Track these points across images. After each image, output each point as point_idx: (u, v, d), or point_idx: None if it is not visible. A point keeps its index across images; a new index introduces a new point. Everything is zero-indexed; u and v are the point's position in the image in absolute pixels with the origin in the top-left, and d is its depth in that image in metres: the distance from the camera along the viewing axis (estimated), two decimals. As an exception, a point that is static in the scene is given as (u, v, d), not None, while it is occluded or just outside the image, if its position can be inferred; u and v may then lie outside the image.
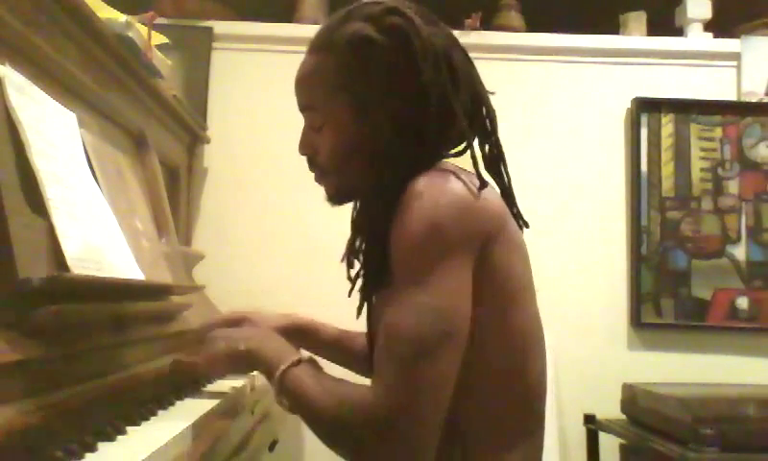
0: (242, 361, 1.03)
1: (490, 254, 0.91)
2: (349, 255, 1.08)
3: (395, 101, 0.95)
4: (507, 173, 1.04)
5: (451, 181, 0.91)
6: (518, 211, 1.03)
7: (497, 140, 1.03)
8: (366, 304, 1.05)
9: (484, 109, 1.01)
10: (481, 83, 1.03)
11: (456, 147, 1.04)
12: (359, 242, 1.07)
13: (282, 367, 0.93)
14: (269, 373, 0.95)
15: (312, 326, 1.30)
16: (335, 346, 1.29)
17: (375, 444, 0.84)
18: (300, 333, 1.28)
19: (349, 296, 1.09)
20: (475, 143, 1.01)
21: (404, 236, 0.89)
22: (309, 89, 1.02)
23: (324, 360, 1.30)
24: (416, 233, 0.87)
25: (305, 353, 0.99)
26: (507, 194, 1.03)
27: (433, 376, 0.84)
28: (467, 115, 0.98)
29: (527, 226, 1.03)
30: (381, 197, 0.95)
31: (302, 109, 1.04)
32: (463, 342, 0.87)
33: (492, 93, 1.04)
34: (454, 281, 0.87)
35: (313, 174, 1.06)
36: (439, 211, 0.88)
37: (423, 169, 0.93)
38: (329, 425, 0.89)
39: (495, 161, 1.03)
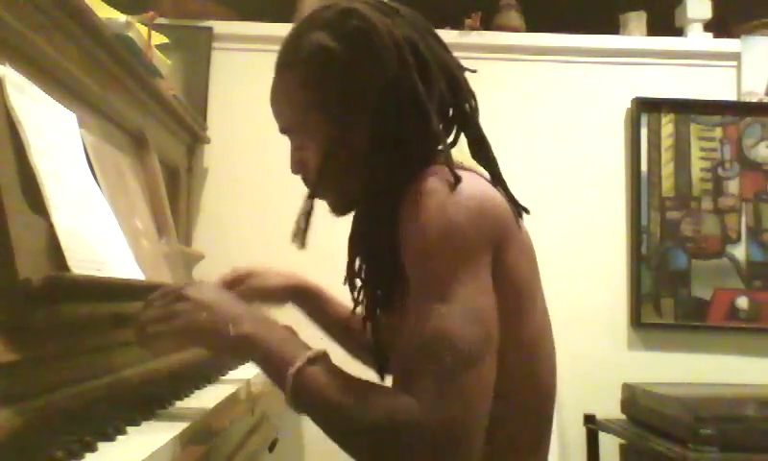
0: (229, 346, 0.88)
1: (502, 256, 0.87)
2: (351, 277, 1.03)
3: (369, 105, 0.91)
4: (493, 157, 0.98)
5: (459, 181, 0.87)
6: (513, 197, 0.97)
7: (477, 124, 0.97)
8: (370, 320, 1.02)
9: (463, 93, 0.97)
10: (457, 65, 0.98)
11: (447, 136, 0.98)
12: (359, 260, 1.02)
13: (298, 363, 0.81)
14: (274, 367, 0.84)
15: (320, 294, 1.23)
16: (341, 325, 1.22)
17: (428, 457, 0.77)
18: (306, 298, 1.23)
19: (353, 314, 1.07)
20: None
21: (425, 240, 0.84)
22: (283, 112, 1.00)
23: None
24: (437, 236, 0.83)
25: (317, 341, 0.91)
26: (498, 180, 0.97)
27: (482, 383, 0.80)
28: (445, 104, 0.95)
29: (527, 211, 0.98)
30: (377, 205, 0.92)
31: (282, 131, 1.02)
32: (497, 345, 0.83)
33: (474, 71, 1.00)
34: (481, 282, 0.83)
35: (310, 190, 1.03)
36: (455, 212, 0.84)
37: (416, 168, 0.90)
38: (364, 437, 0.80)
39: (480, 146, 0.97)
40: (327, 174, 0.97)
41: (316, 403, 0.82)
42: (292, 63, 0.97)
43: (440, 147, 0.93)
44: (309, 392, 0.81)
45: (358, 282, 1.03)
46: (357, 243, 1.01)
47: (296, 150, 1.01)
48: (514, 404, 0.91)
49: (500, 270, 0.87)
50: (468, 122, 0.97)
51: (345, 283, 1.04)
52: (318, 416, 0.83)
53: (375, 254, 0.96)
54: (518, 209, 0.96)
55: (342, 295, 1.12)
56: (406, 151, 0.92)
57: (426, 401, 0.77)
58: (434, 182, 0.86)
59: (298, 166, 1.02)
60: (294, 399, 0.82)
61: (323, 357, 0.84)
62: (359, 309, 1.06)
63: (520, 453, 0.94)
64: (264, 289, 1.20)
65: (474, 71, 1.00)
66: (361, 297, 1.04)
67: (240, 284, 1.19)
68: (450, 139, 0.98)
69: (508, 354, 0.88)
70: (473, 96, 0.98)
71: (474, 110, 0.98)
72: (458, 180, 0.86)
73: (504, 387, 0.87)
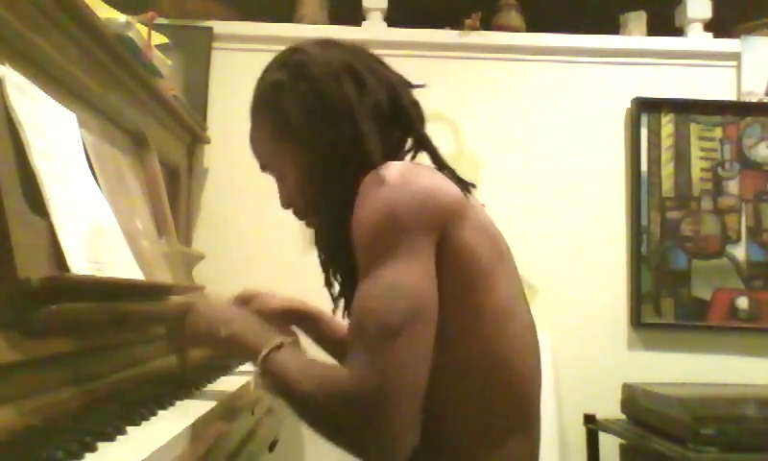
0: (221, 345, 1.07)
1: (451, 236, 0.93)
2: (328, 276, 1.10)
3: (321, 128, 1.01)
4: (434, 147, 1.06)
5: (402, 169, 0.95)
6: (460, 178, 1.02)
7: (419, 130, 1.06)
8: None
9: (404, 103, 1.05)
10: (401, 81, 1.07)
11: (396, 141, 1.07)
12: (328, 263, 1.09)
13: (264, 351, 0.94)
14: (250, 356, 0.98)
15: (318, 315, 1.32)
16: (334, 342, 1.30)
17: (354, 426, 0.85)
18: (305, 320, 1.31)
19: (334, 312, 1.13)
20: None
21: (362, 224, 0.92)
22: (258, 149, 1.11)
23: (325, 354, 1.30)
24: (373, 219, 0.90)
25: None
26: (440, 164, 1.04)
27: (403, 355, 0.85)
28: (384, 114, 1.02)
29: (474, 186, 1.02)
30: (339, 206, 0.99)
31: (262, 168, 1.12)
32: (432, 320, 0.89)
33: (422, 86, 1.08)
34: (416, 263, 0.89)
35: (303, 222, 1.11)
36: (394, 196, 0.91)
37: (366, 172, 0.96)
38: (310, 409, 0.90)
39: (420, 142, 1.06)
40: (305, 195, 1.06)
41: (278, 383, 0.94)
42: (257, 104, 1.10)
43: (389, 151, 1.02)
44: (273, 374, 0.94)
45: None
46: (324, 247, 1.09)
47: (279, 183, 1.10)
48: (480, 381, 0.95)
49: (451, 250, 0.93)
50: (410, 127, 1.06)
51: (324, 285, 1.10)
52: (280, 394, 0.95)
53: (339, 254, 1.04)
54: (466, 188, 1.00)
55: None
56: (352, 160, 0.99)
57: (353, 372, 0.87)
58: (378, 173, 0.94)
59: (285, 199, 1.11)
60: (263, 380, 0.95)
61: (290, 345, 0.97)
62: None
63: (487, 443, 0.96)
64: (265, 312, 1.25)
65: (423, 86, 1.09)
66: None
67: (247, 305, 1.27)
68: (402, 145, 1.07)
69: (467, 330, 0.94)
70: (417, 105, 1.07)
71: (418, 117, 1.06)
72: (403, 169, 0.94)
73: (466, 364, 0.94)
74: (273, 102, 1.06)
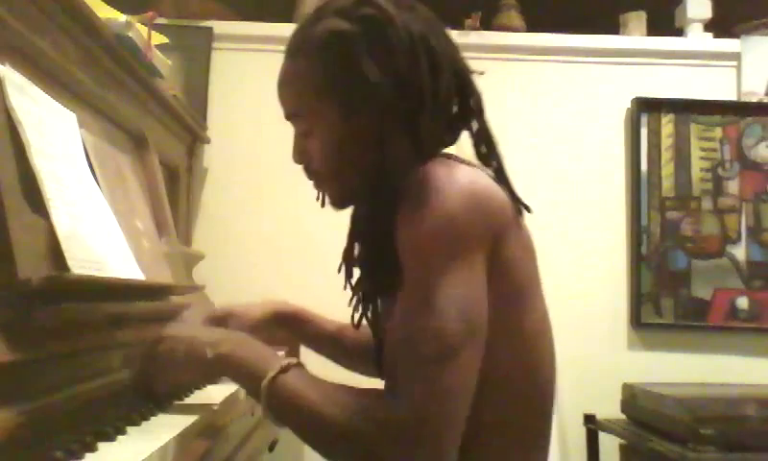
0: (208, 369, 0.94)
1: (501, 248, 0.87)
2: (348, 264, 1.03)
3: (379, 93, 0.90)
4: (499, 154, 0.98)
5: (459, 173, 0.87)
6: (517, 195, 0.96)
7: (483, 122, 0.97)
8: (370, 311, 1.02)
9: (469, 90, 0.97)
10: (465, 65, 0.98)
11: (452, 133, 0.99)
12: (359, 249, 1.02)
13: (270, 374, 0.84)
14: (250, 380, 0.87)
15: (302, 315, 1.25)
16: (328, 339, 1.24)
17: (398, 454, 0.78)
18: (289, 322, 1.23)
19: (350, 305, 1.06)
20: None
21: (418, 232, 0.84)
22: (291, 96, 0.98)
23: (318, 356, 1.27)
24: (430, 228, 0.82)
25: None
26: (501, 177, 0.97)
27: (459, 378, 0.79)
28: (451, 100, 0.95)
29: (528, 210, 0.96)
30: (380, 194, 0.91)
31: (288, 116, 1.00)
32: (483, 342, 0.83)
33: (481, 73, 0.99)
34: (472, 277, 0.83)
35: (312, 181, 1.02)
36: (451, 204, 0.83)
37: (421, 160, 0.89)
38: (339, 439, 0.81)
39: (486, 143, 0.98)
40: (332, 161, 0.96)
41: (289, 412, 0.84)
42: (303, 47, 0.95)
43: (441, 141, 0.94)
44: (282, 401, 0.83)
45: (355, 271, 1.03)
46: (358, 229, 1.01)
47: (300, 137, 0.99)
48: (517, 397, 0.92)
49: (499, 263, 0.87)
50: (472, 119, 0.97)
51: (339, 271, 1.04)
52: (293, 424, 0.85)
53: (375, 242, 0.95)
54: (520, 206, 0.96)
55: (340, 296, 1.12)
56: (411, 143, 0.91)
57: (402, 397, 0.79)
58: (435, 175, 0.85)
59: (300, 154, 1.00)
60: (269, 409, 0.84)
61: (295, 367, 0.86)
62: (354, 300, 1.06)
63: (526, 447, 0.94)
64: (247, 325, 1.18)
65: (482, 73, 0.99)
66: (357, 291, 1.04)
67: (224, 325, 1.18)
68: (454, 136, 0.98)
69: (509, 347, 0.89)
70: (479, 95, 0.98)
71: (480, 108, 0.97)
72: (459, 173, 0.86)
73: (506, 380, 0.89)
74: (330, 53, 0.91)
